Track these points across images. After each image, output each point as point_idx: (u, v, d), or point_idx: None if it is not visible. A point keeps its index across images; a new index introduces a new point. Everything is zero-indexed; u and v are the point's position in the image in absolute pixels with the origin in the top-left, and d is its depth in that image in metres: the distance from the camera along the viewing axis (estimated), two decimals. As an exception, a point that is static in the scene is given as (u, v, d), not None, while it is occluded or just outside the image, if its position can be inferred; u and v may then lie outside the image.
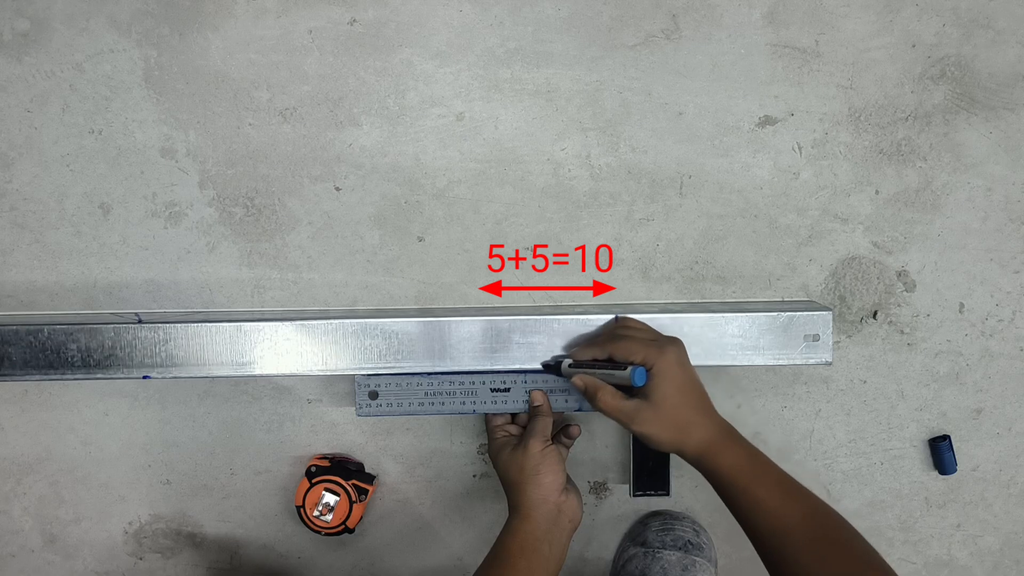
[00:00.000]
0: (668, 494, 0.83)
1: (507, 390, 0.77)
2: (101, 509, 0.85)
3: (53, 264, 0.80)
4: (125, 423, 0.83)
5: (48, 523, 0.85)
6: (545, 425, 0.74)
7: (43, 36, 0.77)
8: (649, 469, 0.83)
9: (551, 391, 0.77)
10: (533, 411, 0.76)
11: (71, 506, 0.84)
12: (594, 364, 0.72)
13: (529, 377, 0.77)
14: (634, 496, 0.83)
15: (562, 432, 0.77)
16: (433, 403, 0.77)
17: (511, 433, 0.77)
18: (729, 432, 0.70)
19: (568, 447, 0.77)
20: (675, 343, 0.71)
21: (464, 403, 0.77)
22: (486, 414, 0.78)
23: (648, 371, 0.68)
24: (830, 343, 0.77)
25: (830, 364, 0.77)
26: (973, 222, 0.82)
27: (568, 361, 0.74)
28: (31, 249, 0.80)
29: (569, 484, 0.74)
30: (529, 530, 0.70)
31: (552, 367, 0.75)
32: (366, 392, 0.76)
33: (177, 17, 0.77)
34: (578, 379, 0.72)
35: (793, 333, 0.76)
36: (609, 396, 0.70)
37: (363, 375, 0.76)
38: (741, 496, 0.67)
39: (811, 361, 0.77)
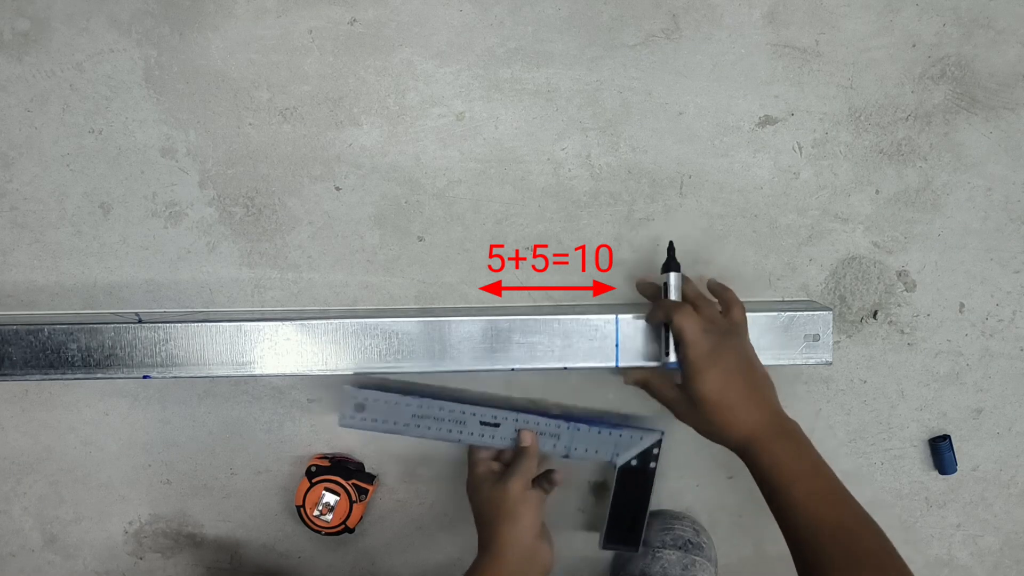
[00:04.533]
0: (637, 550, 0.81)
1: (497, 425, 0.76)
2: (101, 509, 0.85)
3: (53, 264, 0.80)
4: (125, 423, 0.83)
5: (48, 523, 0.85)
6: (529, 466, 0.73)
7: (43, 36, 0.77)
8: (626, 525, 0.81)
9: (541, 433, 0.77)
10: (520, 451, 0.75)
11: (71, 506, 0.84)
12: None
13: (521, 416, 0.77)
14: (603, 548, 0.82)
15: (544, 477, 0.76)
16: (419, 425, 0.77)
17: (493, 469, 0.76)
18: (777, 428, 0.68)
19: (548, 492, 0.75)
20: (728, 338, 0.69)
21: (451, 431, 0.77)
22: (470, 446, 0.78)
23: (685, 365, 0.68)
24: (830, 343, 0.76)
25: (830, 364, 0.77)
26: (973, 222, 0.82)
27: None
28: (31, 249, 0.80)
29: (544, 531, 0.72)
30: (498, 570, 0.68)
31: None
32: (352, 404, 0.76)
33: (177, 17, 0.77)
34: (635, 374, 0.74)
35: (793, 333, 0.76)
36: (658, 386, 0.72)
37: (352, 387, 0.76)
38: (777, 496, 0.65)
39: (811, 361, 0.77)
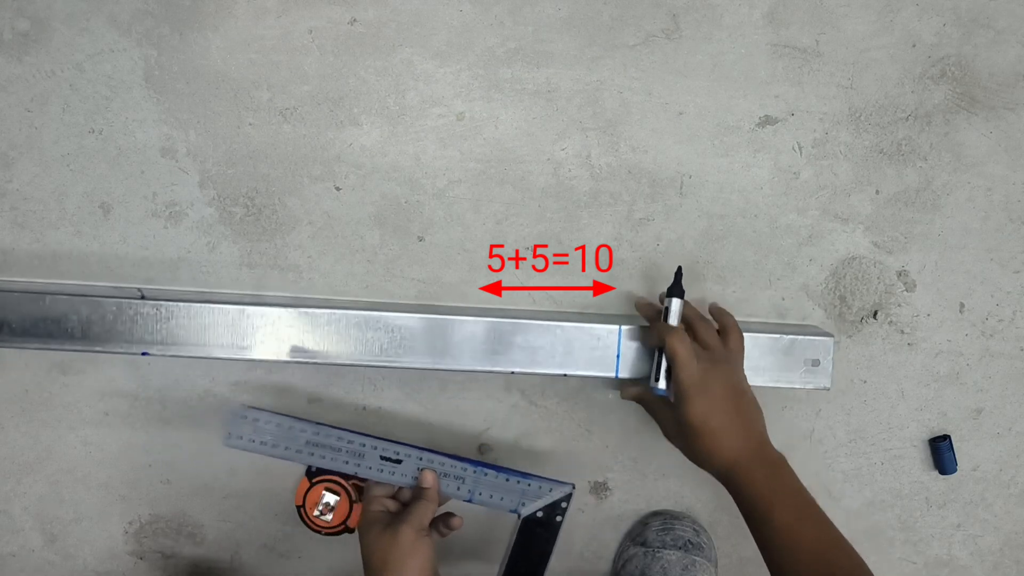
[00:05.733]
0: None
1: (398, 461, 0.73)
2: (101, 509, 0.85)
3: (53, 264, 0.80)
4: (125, 423, 0.83)
5: (48, 523, 0.85)
6: (425, 511, 0.69)
7: (43, 36, 0.77)
8: (522, 572, 0.77)
9: (444, 474, 0.74)
10: (417, 492, 0.72)
11: (71, 506, 0.84)
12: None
13: (426, 455, 0.74)
14: None
15: (442, 520, 0.73)
16: (313, 453, 0.73)
17: (387, 509, 0.71)
18: (760, 457, 0.68)
19: (445, 536, 0.73)
20: (719, 365, 0.69)
21: (348, 463, 0.73)
22: (367, 481, 0.74)
23: (676, 388, 0.69)
24: (830, 369, 0.77)
25: (828, 390, 0.77)
26: (973, 222, 0.82)
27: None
28: (31, 249, 0.80)
29: None
30: None
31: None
32: (240, 423, 0.72)
33: (177, 17, 0.77)
34: (632, 391, 0.76)
35: (794, 356, 0.76)
36: (651, 402, 0.74)
37: (241, 406, 0.72)
38: (758, 522, 0.66)
39: (810, 386, 0.77)
